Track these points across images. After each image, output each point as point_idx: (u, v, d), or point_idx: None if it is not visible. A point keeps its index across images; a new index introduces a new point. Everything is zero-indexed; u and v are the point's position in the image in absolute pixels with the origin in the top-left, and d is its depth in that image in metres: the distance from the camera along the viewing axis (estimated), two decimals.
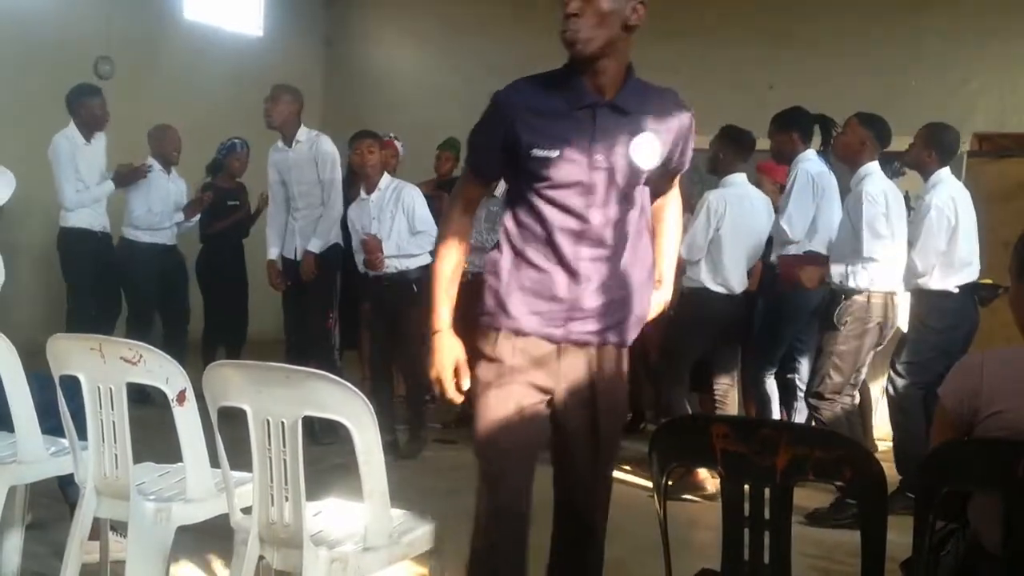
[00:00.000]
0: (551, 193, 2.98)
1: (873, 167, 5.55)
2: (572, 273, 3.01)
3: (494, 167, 3.15)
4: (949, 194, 5.73)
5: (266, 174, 7.15)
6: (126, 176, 7.54)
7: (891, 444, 6.09)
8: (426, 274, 6.60)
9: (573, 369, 3.07)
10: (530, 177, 2.99)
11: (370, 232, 6.60)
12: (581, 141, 2.94)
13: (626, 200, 3.02)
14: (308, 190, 6.88)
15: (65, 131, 7.39)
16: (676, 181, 3.32)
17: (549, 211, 3.00)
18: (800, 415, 6.20)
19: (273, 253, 7.12)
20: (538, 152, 2.94)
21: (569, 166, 2.94)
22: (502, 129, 2.99)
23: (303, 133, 6.86)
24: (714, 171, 6.31)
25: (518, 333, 3.04)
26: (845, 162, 5.73)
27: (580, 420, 3.10)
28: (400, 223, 6.61)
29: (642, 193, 3.08)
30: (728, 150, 6.17)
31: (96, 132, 7.50)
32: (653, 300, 3.27)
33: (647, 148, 2.99)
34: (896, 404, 5.82)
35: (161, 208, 7.70)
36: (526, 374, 3.04)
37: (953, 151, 5.93)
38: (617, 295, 3.07)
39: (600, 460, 3.21)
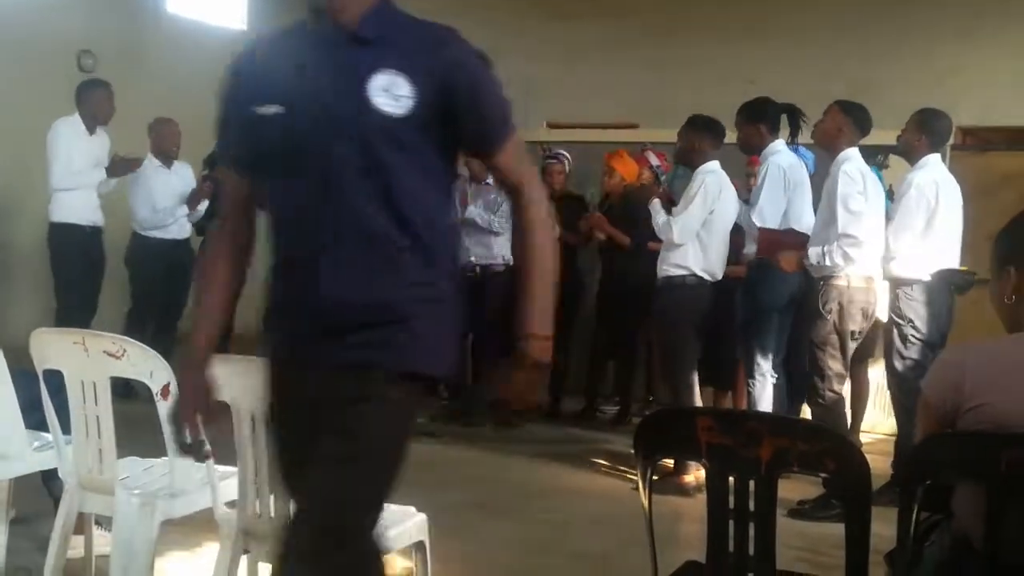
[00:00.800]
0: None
1: (852, 152, 5.57)
2: None
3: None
4: (932, 177, 5.70)
5: None
6: (119, 166, 7.50)
7: (877, 437, 6.11)
8: None
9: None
10: None
11: None
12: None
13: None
14: None
15: (68, 118, 7.40)
16: (517, 176, 2.54)
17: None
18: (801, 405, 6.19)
19: None
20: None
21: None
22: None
23: None
24: (688, 163, 6.27)
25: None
26: (824, 148, 5.76)
27: None
28: None
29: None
30: (703, 139, 6.12)
31: (100, 125, 7.47)
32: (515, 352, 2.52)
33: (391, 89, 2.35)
34: (897, 402, 5.79)
35: (165, 205, 7.68)
36: None
37: (944, 138, 5.94)
38: None
39: None
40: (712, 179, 6.03)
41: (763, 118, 6.01)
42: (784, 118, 6.08)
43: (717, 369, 6.53)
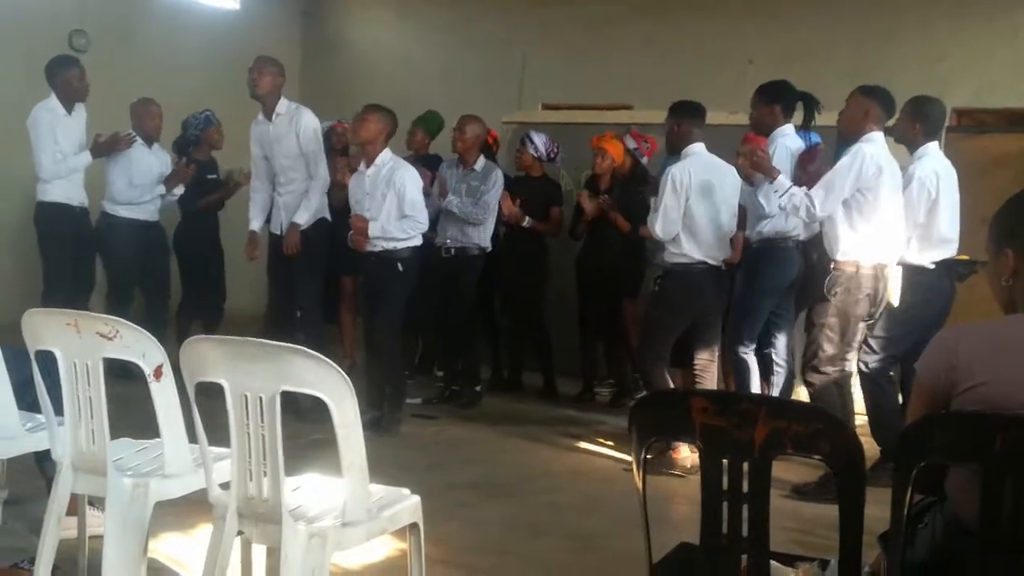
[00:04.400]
0: None
1: (876, 135, 5.52)
2: None
3: None
4: (933, 167, 5.73)
5: (242, 147, 7.10)
6: (104, 145, 7.44)
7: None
8: (414, 255, 6.62)
9: None
10: None
11: (362, 208, 6.56)
12: None
13: None
14: (291, 164, 6.83)
15: (45, 102, 7.30)
16: None
17: None
18: (777, 389, 6.22)
19: (255, 225, 7.05)
20: None
21: None
22: None
23: (283, 106, 6.78)
24: (673, 149, 6.24)
25: None
26: (850, 136, 5.66)
27: None
28: (390, 203, 6.49)
29: None
30: (682, 121, 6.12)
31: (76, 103, 7.41)
32: None
33: None
34: (868, 379, 5.83)
35: (142, 182, 7.61)
36: None
37: (940, 124, 5.94)
38: None
39: None
40: (679, 168, 6.03)
41: (780, 99, 6.02)
42: (800, 105, 6.10)
43: (681, 350, 6.51)
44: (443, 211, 7.36)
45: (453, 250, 7.45)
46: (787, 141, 5.97)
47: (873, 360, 5.78)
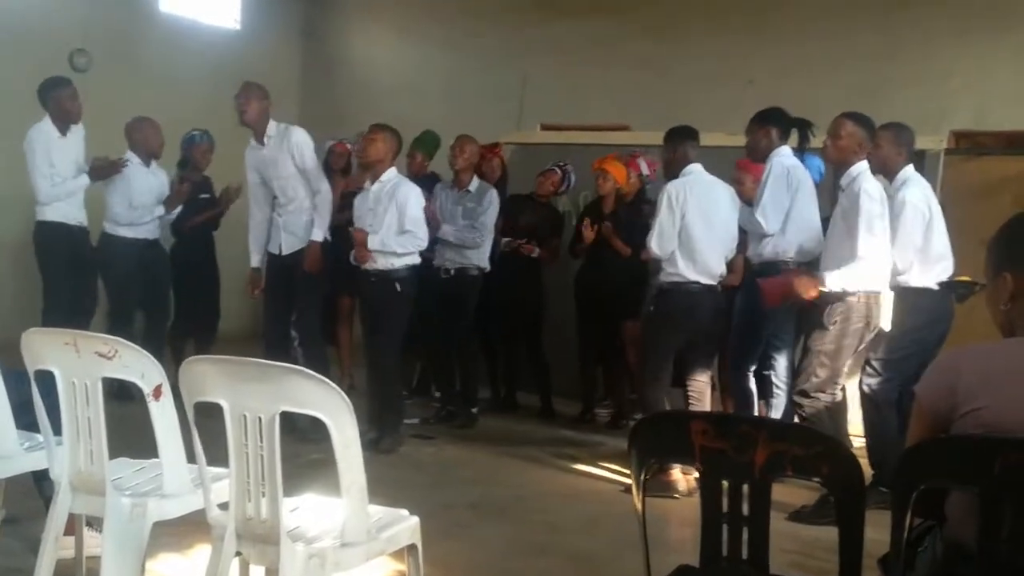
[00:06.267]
0: None
1: (864, 166, 5.53)
2: None
3: None
4: (922, 192, 5.78)
5: (236, 166, 7.10)
6: (101, 170, 7.44)
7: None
8: (412, 275, 6.64)
9: None
10: None
11: (364, 224, 6.60)
12: None
13: None
14: (288, 184, 6.83)
15: (40, 124, 7.29)
16: None
17: None
18: (777, 411, 6.21)
19: (256, 260, 7.06)
20: None
21: None
22: None
23: (272, 128, 6.79)
24: (671, 175, 6.21)
25: None
26: (839, 164, 5.62)
27: None
28: (391, 218, 6.57)
29: None
30: (678, 147, 6.14)
31: (70, 125, 7.39)
32: None
33: None
34: (870, 401, 5.82)
35: (142, 202, 7.57)
36: None
37: (913, 148, 5.98)
38: None
39: None
40: (675, 185, 6.04)
41: (775, 122, 6.02)
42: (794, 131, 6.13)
43: (679, 371, 6.50)
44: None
45: (453, 271, 7.47)
46: (783, 160, 5.96)
47: (876, 382, 5.77)
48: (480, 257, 7.51)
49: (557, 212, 8.24)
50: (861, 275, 5.41)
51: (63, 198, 7.30)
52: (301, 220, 6.84)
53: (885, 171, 5.84)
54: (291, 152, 6.75)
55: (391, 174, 6.69)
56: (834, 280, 5.42)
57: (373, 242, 6.53)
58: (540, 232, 7.87)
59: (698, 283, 6.04)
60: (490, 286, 7.71)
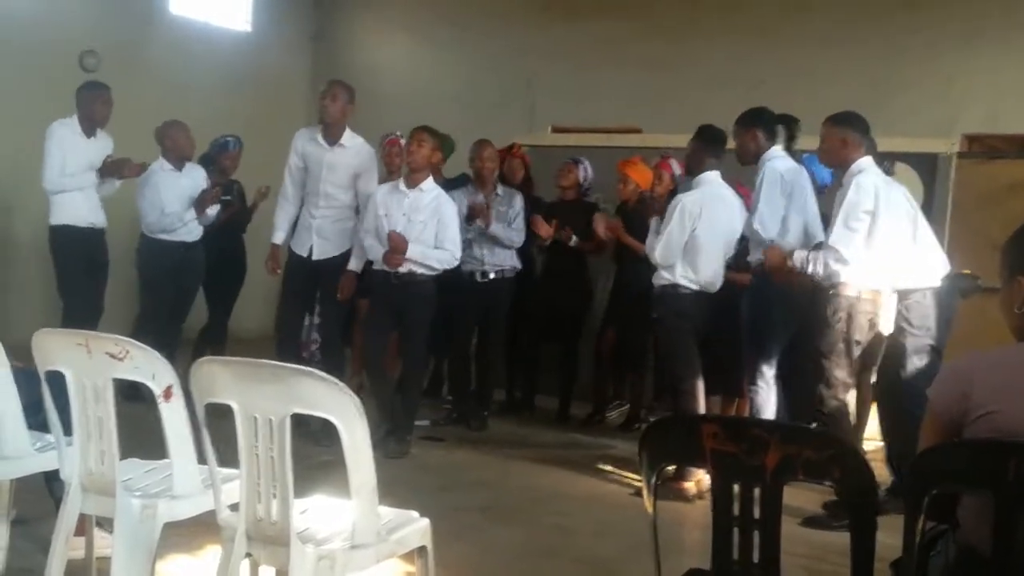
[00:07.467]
0: None
1: (866, 163, 5.49)
2: None
3: None
4: (901, 189, 5.71)
5: (259, 170, 7.04)
6: (112, 166, 7.40)
7: (880, 444, 6.09)
8: (434, 277, 6.61)
9: None
10: None
11: (393, 224, 6.49)
12: None
13: None
14: (337, 192, 6.76)
15: (66, 119, 7.31)
16: None
17: None
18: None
19: (278, 237, 6.97)
20: None
21: None
22: None
23: (348, 138, 6.73)
24: (690, 172, 6.27)
25: None
26: (835, 167, 5.65)
27: None
28: (428, 233, 6.54)
29: None
30: (699, 148, 6.15)
31: (96, 128, 7.39)
32: None
33: None
34: (887, 409, 5.79)
35: (174, 209, 7.42)
36: None
37: (867, 138, 5.80)
38: None
39: None
40: (691, 199, 6.05)
41: (758, 123, 5.97)
42: (781, 129, 6.07)
43: (725, 377, 6.50)
44: (476, 235, 7.36)
45: (492, 274, 7.46)
46: (776, 164, 5.90)
47: (903, 386, 5.70)
48: (515, 257, 7.53)
49: (593, 206, 8.14)
50: (827, 263, 5.39)
51: (69, 189, 7.25)
52: (336, 227, 6.79)
53: (830, 162, 5.75)
54: (360, 170, 6.74)
55: (431, 183, 6.64)
56: (800, 258, 5.46)
57: (413, 252, 6.46)
58: (575, 228, 7.74)
59: (689, 288, 6.08)
60: (524, 288, 7.72)
